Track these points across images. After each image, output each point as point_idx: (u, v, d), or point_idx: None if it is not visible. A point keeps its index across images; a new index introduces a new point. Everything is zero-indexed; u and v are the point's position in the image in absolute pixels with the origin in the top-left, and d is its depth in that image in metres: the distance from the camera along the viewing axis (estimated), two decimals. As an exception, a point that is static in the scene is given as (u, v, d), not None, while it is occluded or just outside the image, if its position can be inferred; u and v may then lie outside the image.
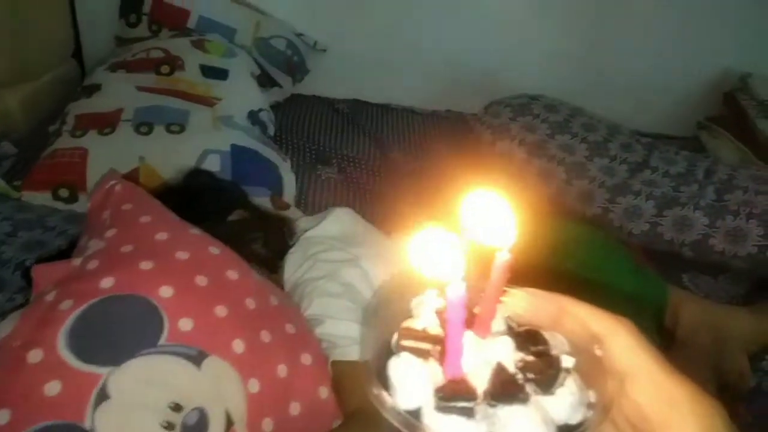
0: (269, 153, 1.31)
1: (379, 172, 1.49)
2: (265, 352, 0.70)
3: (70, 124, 1.24)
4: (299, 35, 1.73)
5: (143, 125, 1.23)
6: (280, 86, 1.68)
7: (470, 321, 0.35)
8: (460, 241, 0.33)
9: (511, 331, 0.37)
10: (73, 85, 1.45)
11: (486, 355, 0.35)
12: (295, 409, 0.71)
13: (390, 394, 0.33)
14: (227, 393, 0.65)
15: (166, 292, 0.67)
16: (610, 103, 1.68)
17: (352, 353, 0.75)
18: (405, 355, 0.34)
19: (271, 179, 1.25)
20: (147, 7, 1.62)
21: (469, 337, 0.35)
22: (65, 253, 0.78)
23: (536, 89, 1.61)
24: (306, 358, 0.74)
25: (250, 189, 1.19)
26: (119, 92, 1.32)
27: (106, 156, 1.17)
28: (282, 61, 1.68)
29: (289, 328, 0.75)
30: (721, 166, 1.41)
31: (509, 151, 1.49)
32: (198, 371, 0.64)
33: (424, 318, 0.37)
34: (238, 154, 1.23)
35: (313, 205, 1.33)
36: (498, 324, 0.37)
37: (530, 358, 0.34)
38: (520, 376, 0.34)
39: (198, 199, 0.94)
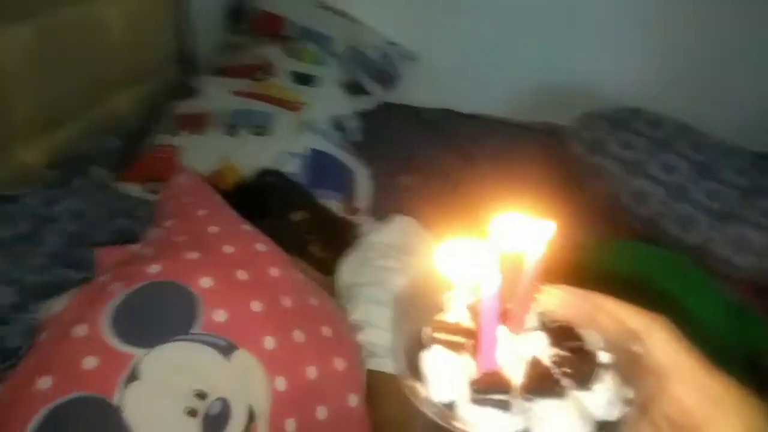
0: (347, 159, 1.32)
1: (463, 184, 1.45)
2: (296, 351, 0.70)
3: (168, 123, 1.34)
4: (392, 44, 1.75)
5: (231, 127, 1.30)
6: (370, 94, 1.71)
7: (504, 316, 0.35)
8: (490, 247, 0.33)
9: (545, 327, 0.37)
10: (180, 88, 1.55)
11: (520, 350, 0.35)
12: (321, 413, 0.70)
13: (423, 387, 0.33)
14: (252, 388, 0.66)
15: (205, 282, 0.69)
16: (727, 122, 1.52)
17: (387, 365, 0.74)
18: (438, 348, 0.34)
19: (345, 184, 1.27)
20: (251, 15, 1.71)
21: (502, 332, 0.35)
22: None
23: (636, 104, 1.50)
24: (339, 363, 0.73)
25: (323, 192, 1.21)
26: (215, 96, 1.40)
27: (195, 154, 1.24)
28: (373, 69, 1.70)
29: (326, 331, 0.75)
30: None
31: (603, 168, 1.40)
32: (226, 362, 0.66)
33: (455, 312, 0.37)
34: (316, 157, 1.26)
35: (393, 211, 1.32)
36: (531, 320, 0.37)
37: (565, 353, 0.34)
38: (555, 370, 0.34)
39: (262, 197, 0.97)
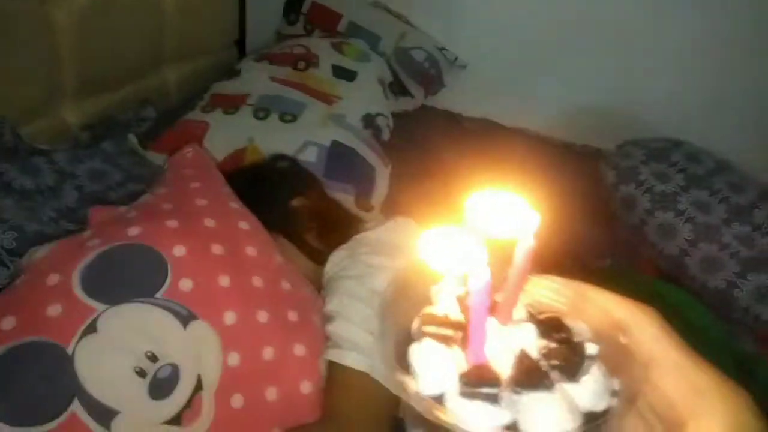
0: (369, 155, 1.32)
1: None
2: (255, 330, 0.71)
3: (205, 100, 1.38)
4: (441, 49, 1.74)
5: (261, 110, 1.33)
6: (412, 96, 1.70)
7: (492, 308, 0.35)
8: (474, 235, 0.33)
9: (533, 318, 0.36)
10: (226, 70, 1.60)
11: (508, 342, 0.35)
12: (271, 394, 0.71)
13: (413, 380, 0.33)
14: (204, 358, 0.67)
15: (179, 251, 0.71)
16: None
17: (347, 358, 0.73)
18: (427, 341, 0.34)
19: (362, 180, 1.27)
20: (305, 7, 1.74)
21: (491, 323, 0.35)
22: None
23: (682, 135, 1.43)
24: (299, 349, 0.74)
25: (337, 184, 1.22)
26: (253, 79, 1.43)
27: (222, 132, 1.28)
28: (418, 72, 1.69)
29: (292, 316, 0.75)
30: None
31: (632, 199, 1.34)
32: (183, 330, 0.67)
33: (444, 304, 0.37)
34: (335, 150, 1.26)
35: (406, 214, 1.32)
36: (519, 311, 0.37)
37: (554, 345, 0.34)
38: (543, 362, 0.34)
39: (268, 180, 0.99)
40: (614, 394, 0.33)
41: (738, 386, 0.33)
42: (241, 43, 1.81)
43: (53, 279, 0.67)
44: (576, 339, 0.35)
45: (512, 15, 1.69)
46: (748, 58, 1.49)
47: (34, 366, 0.62)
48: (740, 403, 0.32)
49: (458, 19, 1.76)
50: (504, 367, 0.33)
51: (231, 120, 1.31)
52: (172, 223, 0.73)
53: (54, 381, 0.61)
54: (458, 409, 0.32)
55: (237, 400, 0.68)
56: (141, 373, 0.64)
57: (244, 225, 0.79)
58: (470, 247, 0.32)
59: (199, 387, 0.66)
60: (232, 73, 1.47)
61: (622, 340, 0.34)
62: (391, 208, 1.32)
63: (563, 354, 0.34)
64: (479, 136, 1.68)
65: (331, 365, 0.75)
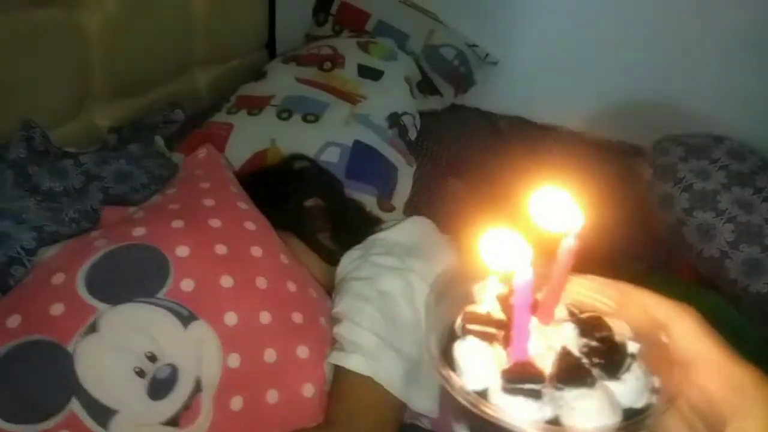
0: (393, 155, 1.30)
1: (513, 194, 1.38)
2: (258, 332, 0.70)
3: (231, 102, 1.39)
4: (472, 46, 1.70)
5: (285, 111, 1.33)
6: (441, 95, 1.67)
7: (533, 307, 0.36)
8: (526, 234, 0.34)
9: (574, 318, 0.37)
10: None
11: (549, 340, 0.36)
12: (272, 397, 0.69)
13: (457, 375, 0.34)
14: (204, 359, 0.67)
15: (182, 251, 0.71)
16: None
17: (350, 361, 0.72)
18: (471, 339, 0.35)
19: (384, 180, 1.25)
20: (334, 8, 1.74)
21: (532, 322, 0.36)
22: None
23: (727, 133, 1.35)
24: (303, 351, 0.72)
25: (359, 185, 1.20)
26: (279, 81, 1.43)
27: (246, 133, 1.28)
28: (447, 70, 1.66)
29: (296, 317, 0.74)
30: None
31: (669, 198, 1.27)
32: (183, 331, 0.67)
33: (486, 303, 0.38)
34: (358, 150, 1.25)
35: (429, 213, 1.29)
36: (560, 310, 0.38)
37: (595, 343, 0.35)
38: (585, 360, 0.34)
39: (279, 180, 0.98)
40: (654, 391, 0.34)
41: None
42: (271, 46, 1.82)
43: (58, 278, 0.68)
44: (617, 338, 0.35)
45: (545, 8, 1.64)
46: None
47: (34, 364, 0.63)
48: None
49: (489, 14, 1.72)
50: (546, 365, 0.34)
51: (254, 121, 1.32)
52: (177, 224, 0.73)
53: (53, 379, 0.62)
54: (502, 404, 0.32)
55: (237, 402, 0.67)
56: (140, 373, 0.64)
57: (250, 225, 0.78)
58: (515, 245, 0.33)
59: (198, 388, 0.66)
60: (259, 74, 1.48)
61: (663, 339, 0.35)
62: (416, 208, 1.30)
63: (604, 352, 0.34)
64: (511, 135, 1.63)
65: (336, 368, 0.73)
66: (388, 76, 1.49)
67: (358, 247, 0.91)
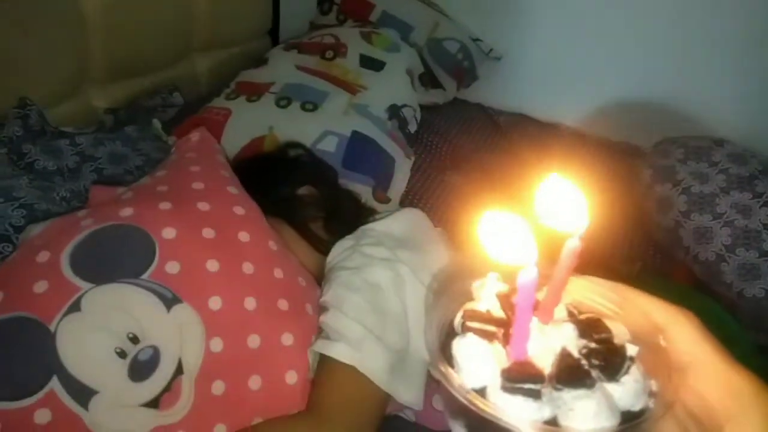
0: (391, 147, 1.30)
1: (514, 189, 1.38)
2: (242, 317, 0.70)
3: (231, 88, 1.39)
4: (476, 41, 1.69)
5: (283, 99, 1.32)
6: (444, 89, 1.66)
7: (533, 306, 0.35)
8: (529, 225, 0.33)
9: (573, 318, 0.37)
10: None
11: (549, 340, 0.35)
12: (254, 383, 0.69)
13: (456, 373, 0.34)
14: (187, 343, 0.66)
15: (168, 233, 0.70)
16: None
17: (334, 349, 0.71)
18: (470, 336, 0.35)
19: (381, 172, 1.24)
20: (340, -2, 1.73)
21: (532, 322, 0.36)
22: None
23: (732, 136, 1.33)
24: (287, 338, 0.72)
25: (355, 175, 1.20)
26: (279, 68, 1.42)
27: (243, 120, 1.28)
28: (450, 64, 1.65)
29: (282, 304, 0.74)
30: None
31: (667, 200, 1.26)
32: (166, 313, 0.67)
33: (485, 301, 0.38)
34: (355, 140, 1.24)
35: (426, 206, 1.29)
36: (559, 310, 0.38)
37: (594, 345, 0.35)
38: (584, 362, 0.34)
39: (272, 167, 0.97)
40: (652, 394, 0.34)
41: None
42: (274, 33, 1.81)
43: (43, 256, 0.68)
44: (616, 340, 0.35)
45: (550, 6, 1.63)
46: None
47: (15, 341, 0.62)
48: None
49: (494, 9, 1.71)
50: (543, 364, 0.34)
51: (253, 108, 1.31)
52: (164, 205, 0.73)
53: (34, 357, 0.62)
54: (500, 403, 0.32)
55: (218, 387, 0.67)
56: (121, 354, 0.64)
57: (239, 210, 0.77)
58: (522, 242, 0.33)
59: (179, 371, 0.66)
60: (260, 61, 1.47)
61: (662, 342, 0.35)
62: (413, 200, 1.30)
63: (604, 354, 0.34)
64: (512, 132, 1.62)
65: (321, 357, 0.73)
66: (390, 68, 1.48)
67: (349, 236, 0.91)
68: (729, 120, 1.38)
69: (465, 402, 0.33)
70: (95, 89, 1.31)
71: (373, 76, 1.44)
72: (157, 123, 1.28)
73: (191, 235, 0.71)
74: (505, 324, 0.36)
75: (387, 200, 1.22)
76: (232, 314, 0.69)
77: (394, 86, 1.46)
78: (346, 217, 0.97)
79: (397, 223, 0.94)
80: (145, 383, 0.64)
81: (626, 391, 0.33)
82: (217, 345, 0.68)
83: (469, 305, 0.38)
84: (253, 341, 0.70)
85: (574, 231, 0.34)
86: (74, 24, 1.22)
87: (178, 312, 0.67)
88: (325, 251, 0.90)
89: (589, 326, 0.36)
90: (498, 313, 0.37)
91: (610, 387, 0.33)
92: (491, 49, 1.71)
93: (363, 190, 1.19)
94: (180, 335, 0.66)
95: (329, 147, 1.22)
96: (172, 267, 0.69)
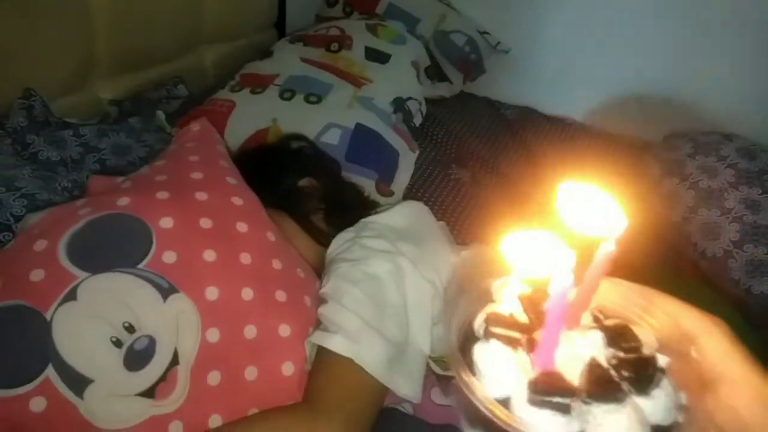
0: (395, 140, 1.29)
1: (521, 185, 1.37)
2: (238, 307, 0.70)
3: (236, 80, 1.38)
4: (483, 33, 1.67)
5: (287, 91, 1.31)
6: (450, 82, 1.65)
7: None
8: (559, 236, 0.32)
9: (600, 324, 0.35)
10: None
11: (574, 348, 0.34)
12: (250, 373, 0.69)
13: (479, 382, 0.33)
14: (183, 333, 0.66)
15: (166, 223, 0.70)
16: None
17: (332, 341, 0.71)
18: (494, 343, 0.34)
19: (384, 165, 1.23)
20: (346, -10, 1.72)
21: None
22: None
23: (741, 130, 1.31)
24: (284, 329, 0.72)
25: (358, 168, 1.19)
26: (284, 60, 1.42)
27: (247, 112, 1.27)
28: (457, 56, 1.64)
29: (280, 296, 0.73)
30: None
31: (675, 194, 1.25)
32: (162, 303, 0.66)
33: (508, 303, 0.37)
34: (359, 133, 1.23)
35: (429, 200, 1.28)
36: (584, 316, 0.36)
37: (623, 354, 0.33)
38: (613, 373, 0.32)
39: (274, 158, 0.97)
40: (681, 408, 0.32)
41: None
42: (280, 26, 1.81)
43: (40, 245, 0.67)
44: (645, 350, 0.34)
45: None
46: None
47: (10, 329, 0.62)
48: None
49: (502, 2, 1.69)
50: (570, 374, 0.32)
51: (257, 100, 1.30)
52: (162, 195, 0.73)
53: (29, 345, 0.62)
54: (525, 415, 0.31)
55: (214, 377, 0.67)
56: (117, 343, 0.64)
57: (237, 201, 0.77)
58: (557, 249, 0.31)
59: (175, 361, 0.65)
60: (266, 53, 1.47)
61: (693, 354, 0.33)
62: (417, 194, 1.29)
63: (634, 366, 0.33)
64: (519, 126, 1.60)
65: (318, 348, 0.72)
66: (395, 60, 1.47)
67: (350, 229, 0.90)
68: (739, 115, 1.36)
69: (488, 414, 0.31)
70: (102, 81, 1.31)
71: (379, 69, 1.44)
72: (161, 114, 1.28)
73: (188, 224, 0.71)
74: (528, 329, 0.34)
75: (390, 193, 1.21)
76: (228, 305, 0.69)
77: (399, 79, 1.45)
78: (348, 209, 0.96)
79: (399, 215, 0.93)
80: (140, 373, 0.64)
81: (657, 405, 0.32)
82: (213, 335, 0.67)
83: (491, 308, 0.36)
84: (250, 332, 0.69)
85: (609, 235, 0.33)
86: (81, 15, 1.22)
87: (175, 302, 0.67)
88: (325, 243, 0.89)
89: (617, 334, 0.34)
90: (521, 316, 0.35)
91: (640, 400, 0.32)
92: (499, 42, 1.69)
93: (366, 183, 1.18)
94: (176, 325, 0.66)
95: (332, 139, 1.21)
96: (169, 257, 0.68)
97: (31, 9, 1.14)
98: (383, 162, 1.24)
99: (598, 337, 0.34)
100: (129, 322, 0.65)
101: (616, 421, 0.31)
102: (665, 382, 0.32)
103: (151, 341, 0.65)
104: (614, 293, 0.37)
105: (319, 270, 0.86)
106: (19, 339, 0.62)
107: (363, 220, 0.92)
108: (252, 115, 1.26)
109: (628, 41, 1.52)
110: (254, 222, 0.77)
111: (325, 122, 1.24)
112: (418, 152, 1.35)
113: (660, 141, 1.37)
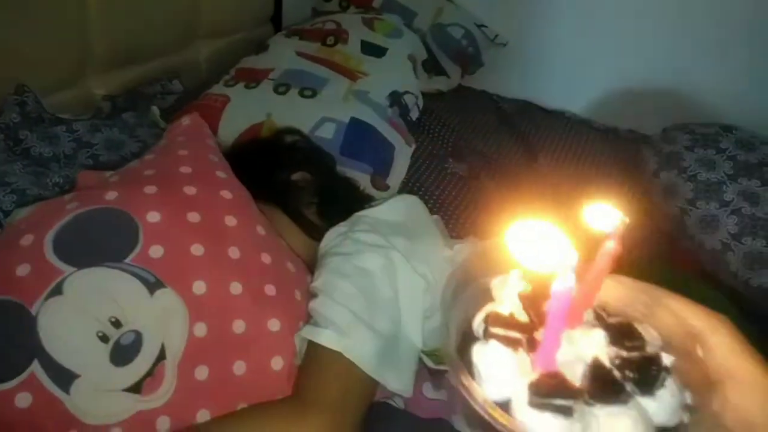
0: (390, 134, 1.28)
1: (514, 179, 1.36)
2: (227, 302, 0.69)
3: (231, 74, 1.38)
4: (481, 26, 1.66)
5: (282, 85, 1.30)
6: (448, 76, 1.64)
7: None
8: (562, 231, 0.32)
9: (602, 322, 0.35)
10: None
11: (577, 348, 0.33)
12: (239, 368, 0.68)
13: (478, 383, 0.32)
14: (170, 328, 0.66)
15: (153, 217, 0.70)
16: None
17: (322, 335, 0.70)
18: (494, 344, 0.33)
19: (380, 159, 1.23)
20: (343, -17, 1.71)
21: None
22: None
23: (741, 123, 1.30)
24: (273, 324, 0.71)
25: (353, 162, 1.18)
26: (279, 54, 1.41)
27: (241, 106, 1.26)
28: (454, 50, 1.63)
29: (269, 290, 0.73)
30: None
31: (673, 187, 1.23)
32: (149, 298, 0.66)
33: (507, 302, 0.36)
34: (354, 127, 1.23)
35: (425, 194, 1.27)
36: (586, 313, 0.35)
37: (626, 354, 0.32)
38: (617, 373, 0.32)
39: (267, 152, 0.96)
40: (687, 408, 0.32)
41: None
42: (277, 20, 1.80)
43: (27, 239, 0.67)
44: (649, 348, 0.33)
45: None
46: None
47: (-4, 324, 0.62)
48: None
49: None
50: (572, 374, 0.32)
51: (251, 94, 1.30)
52: (150, 189, 0.72)
53: (15, 340, 0.61)
54: (525, 417, 0.30)
55: (201, 372, 0.66)
56: (103, 338, 0.63)
57: (226, 194, 0.76)
58: (561, 247, 0.31)
59: (162, 356, 0.65)
60: (261, 48, 1.46)
61: (699, 352, 0.33)
62: (413, 188, 1.28)
63: (638, 365, 0.32)
64: (518, 119, 1.59)
65: (308, 343, 0.72)
66: (392, 54, 1.47)
67: (343, 223, 0.90)
68: (738, 107, 1.35)
69: (488, 418, 0.30)
70: (96, 76, 1.31)
71: (375, 63, 1.43)
72: (155, 110, 1.27)
73: (176, 219, 0.70)
74: (529, 329, 0.34)
75: (386, 188, 1.21)
76: (216, 299, 0.68)
77: (395, 72, 1.44)
78: (341, 203, 0.96)
79: (392, 209, 0.93)
80: (127, 368, 0.64)
81: (662, 406, 0.31)
82: (201, 330, 0.67)
83: (491, 307, 0.35)
84: (238, 326, 0.69)
85: (611, 233, 0.33)
86: (75, 10, 1.21)
87: (162, 296, 0.66)
88: (318, 238, 0.89)
89: (621, 332, 0.34)
90: (521, 316, 0.35)
91: (644, 401, 0.31)
92: (496, 35, 1.68)
93: (361, 178, 1.17)
94: (163, 320, 0.66)
95: (327, 134, 1.20)
96: (156, 251, 0.68)
97: (24, 3, 1.13)
98: (378, 156, 1.23)
99: (600, 335, 0.34)
100: (115, 317, 0.64)
101: (621, 424, 0.30)
102: (670, 382, 0.32)
103: (138, 336, 0.64)
104: (617, 291, 0.36)
105: (312, 264, 0.85)
106: (4, 334, 0.62)
107: (356, 214, 0.91)
108: (246, 110, 1.25)
109: (626, 34, 1.51)
110: (243, 216, 0.76)
111: (319, 116, 1.23)
112: (414, 146, 1.34)
113: (658, 133, 1.35)
